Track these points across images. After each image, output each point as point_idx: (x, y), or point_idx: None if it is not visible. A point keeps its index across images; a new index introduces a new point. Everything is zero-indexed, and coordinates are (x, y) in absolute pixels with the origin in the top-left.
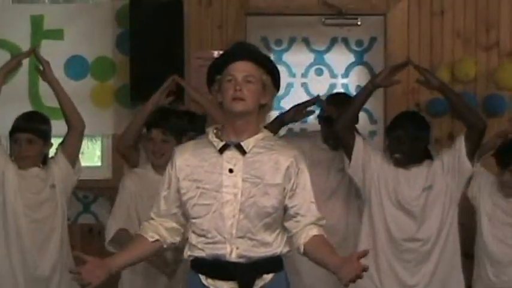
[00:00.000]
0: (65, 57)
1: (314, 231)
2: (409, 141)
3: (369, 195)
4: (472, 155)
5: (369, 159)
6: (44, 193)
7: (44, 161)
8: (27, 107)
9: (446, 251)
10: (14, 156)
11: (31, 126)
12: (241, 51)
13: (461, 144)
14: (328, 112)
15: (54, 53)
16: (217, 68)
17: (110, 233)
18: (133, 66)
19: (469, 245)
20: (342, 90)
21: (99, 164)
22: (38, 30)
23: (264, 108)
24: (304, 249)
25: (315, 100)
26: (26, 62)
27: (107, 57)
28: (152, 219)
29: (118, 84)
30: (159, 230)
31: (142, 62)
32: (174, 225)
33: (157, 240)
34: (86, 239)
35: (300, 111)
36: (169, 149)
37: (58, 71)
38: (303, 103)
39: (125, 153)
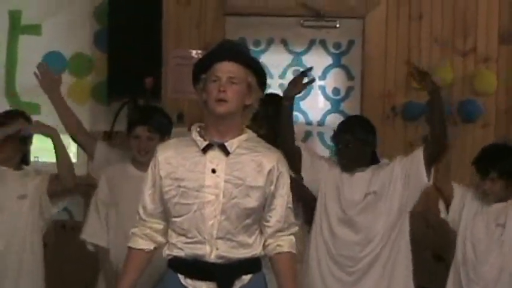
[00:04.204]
0: (42, 53)
1: (285, 245)
2: (357, 146)
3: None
4: (429, 167)
5: (317, 170)
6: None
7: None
8: (4, 103)
9: (393, 262)
10: None
11: None
12: (227, 51)
13: (420, 155)
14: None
15: (32, 49)
16: (202, 67)
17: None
18: (110, 63)
19: (440, 248)
20: (319, 92)
21: (74, 160)
22: (16, 25)
23: (249, 108)
24: (270, 259)
25: (309, 70)
26: (2, 56)
27: (84, 53)
28: (142, 220)
29: (95, 81)
30: (151, 236)
31: (120, 59)
32: (164, 224)
33: (153, 248)
34: (60, 235)
35: (299, 82)
36: (153, 146)
37: (35, 67)
38: (298, 75)
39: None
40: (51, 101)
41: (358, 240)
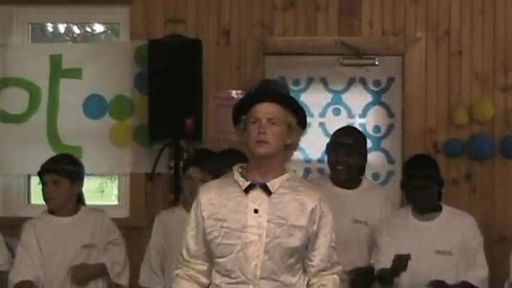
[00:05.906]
0: (84, 96)
1: (328, 284)
2: (431, 187)
3: None
4: None
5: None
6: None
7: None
8: (46, 147)
9: None
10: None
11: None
12: (266, 92)
13: None
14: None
15: (73, 92)
16: (242, 109)
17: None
18: (151, 106)
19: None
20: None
21: (116, 202)
22: (57, 69)
23: (290, 147)
24: None
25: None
26: (44, 100)
27: (125, 96)
28: (185, 261)
29: (136, 123)
30: (195, 277)
31: (160, 102)
32: (208, 265)
33: None
34: None
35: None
36: None
37: (77, 110)
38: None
39: None
40: None
41: None
